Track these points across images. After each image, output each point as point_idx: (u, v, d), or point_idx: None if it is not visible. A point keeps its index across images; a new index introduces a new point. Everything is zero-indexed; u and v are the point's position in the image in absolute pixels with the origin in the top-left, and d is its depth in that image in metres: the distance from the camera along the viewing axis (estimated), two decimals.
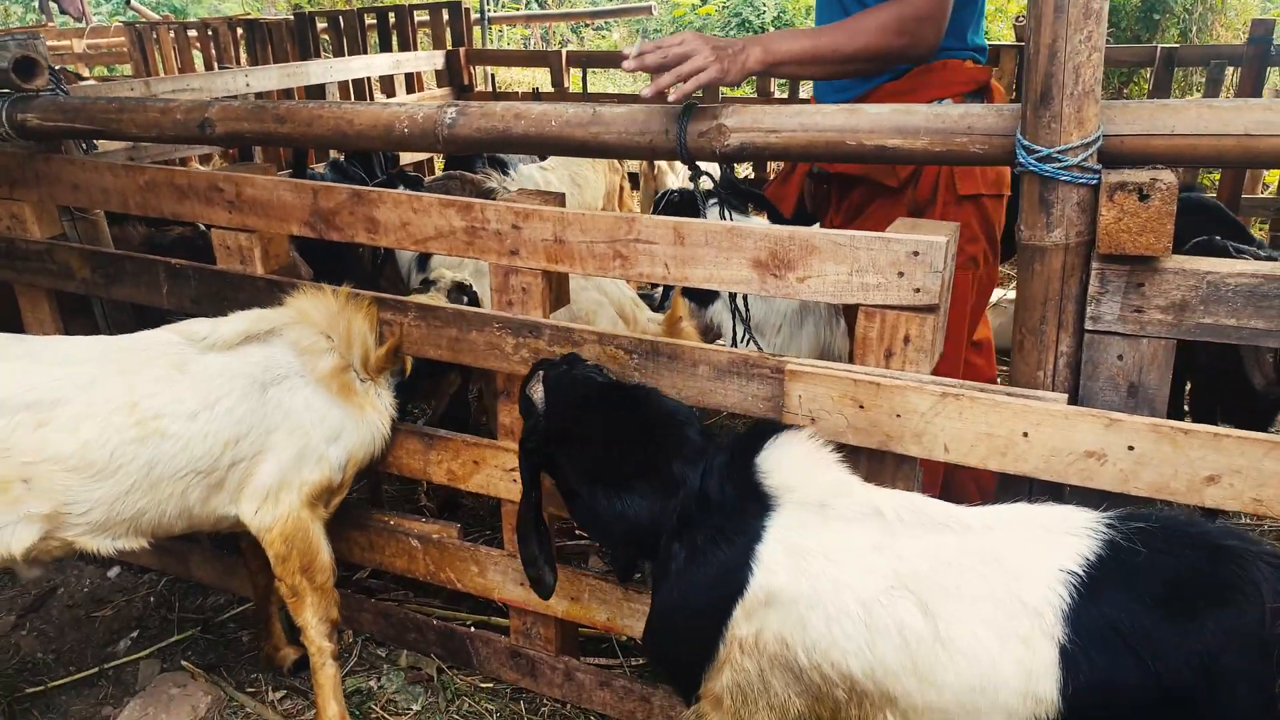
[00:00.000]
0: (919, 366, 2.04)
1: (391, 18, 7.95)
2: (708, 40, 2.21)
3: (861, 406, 2.05)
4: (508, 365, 2.54)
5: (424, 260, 4.17)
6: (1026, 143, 1.86)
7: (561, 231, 2.35)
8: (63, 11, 13.36)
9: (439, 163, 7.51)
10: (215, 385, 2.42)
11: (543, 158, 6.05)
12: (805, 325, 3.81)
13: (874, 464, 2.11)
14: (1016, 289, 2.04)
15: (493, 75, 9.24)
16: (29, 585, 3.58)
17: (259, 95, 5.74)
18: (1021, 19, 8.30)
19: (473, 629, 3.08)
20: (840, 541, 1.72)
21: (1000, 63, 6.45)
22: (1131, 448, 1.82)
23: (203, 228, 3.55)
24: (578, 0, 17.44)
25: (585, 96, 7.57)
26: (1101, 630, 1.50)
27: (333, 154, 5.98)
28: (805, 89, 6.99)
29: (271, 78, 6.01)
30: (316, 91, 6.66)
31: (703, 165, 2.43)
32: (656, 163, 6.38)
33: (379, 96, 7.45)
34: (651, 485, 1.94)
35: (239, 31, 8.50)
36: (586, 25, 17.76)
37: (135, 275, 3.08)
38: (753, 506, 1.81)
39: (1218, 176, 6.25)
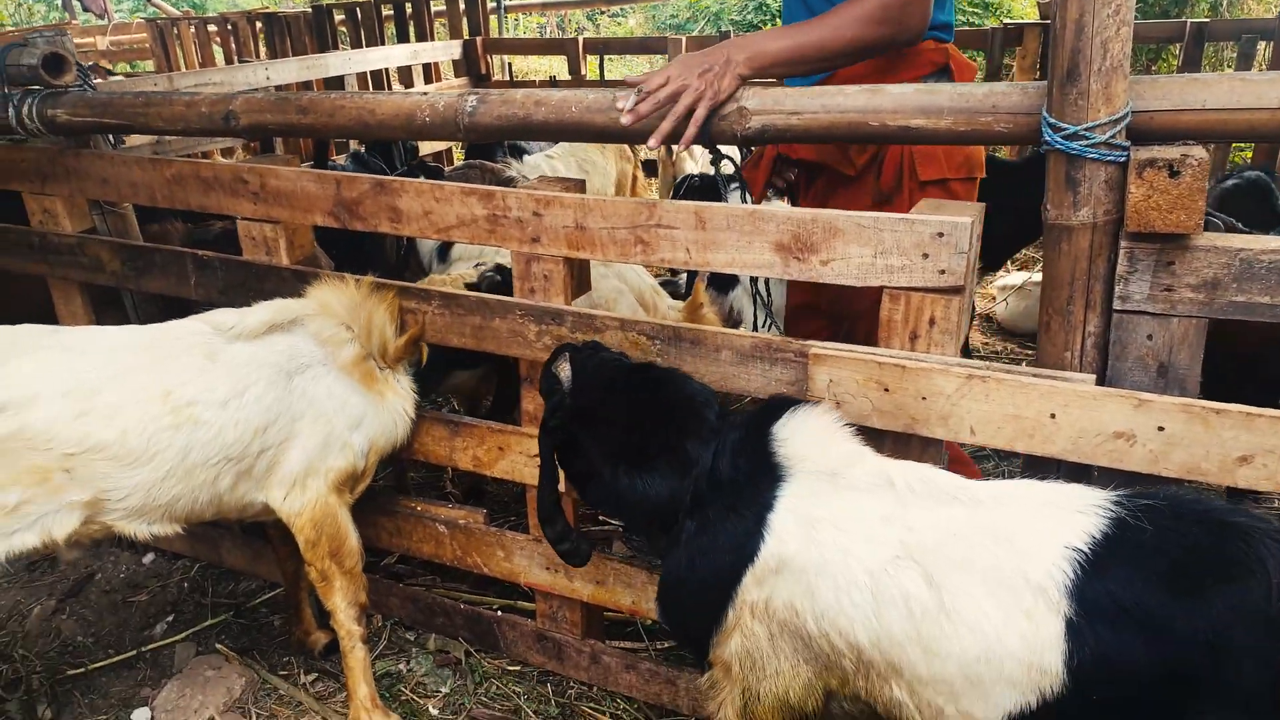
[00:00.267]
0: (944, 349, 2.03)
1: (408, 8, 7.97)
2: (690, 65, 2.19)
3: (886, 390, 2.04)
4: (530, 352, 2.55)
5: (445, 250, 4.19)
6: (1053, 120, 1.84)
7: (583, 218, 2.36)
8: (85, 9, 13.44)
9: (458, 153, 7.53)
10: (244, 374, 2.45)
11: (552, 146, 6.04)
12: None
13: (899, 447, 2.10)
14: (1043, 269, 2.02)
15: (509, 64, 9.23)
16: (68, 570, 3.64)
17: (279, 88, 5.78)
18: None
19: (500, 613, 3.11)
20: (850, 511, 1.74)
21: (1024, 42, 6.40)
22: (1162, 428, 1.80)
23: None
24: None
25: (602, 83, 7.56)
26: (1107, 605, 1.50)
27: (353, 146, 6.00)
28: None
29: (291, 70, 6.05)
30: (335, 83, 6.69)
31: (723, 149, 2.42)
32: (674, 148, 6.36)
33: (397, 87, 7.48)
34: (670, 465, 1.96)
35: (258, 25, 8.54)
36: (602, 12, 17.70)
37: (164, 267, 3.12)
38: (765, 477, 1.83)
39: (1250, 154, 6.16)
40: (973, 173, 2.67)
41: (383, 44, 7.96)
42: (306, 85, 6.39)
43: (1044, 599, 1.54)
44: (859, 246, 2.04)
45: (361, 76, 6.97)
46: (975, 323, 5.60)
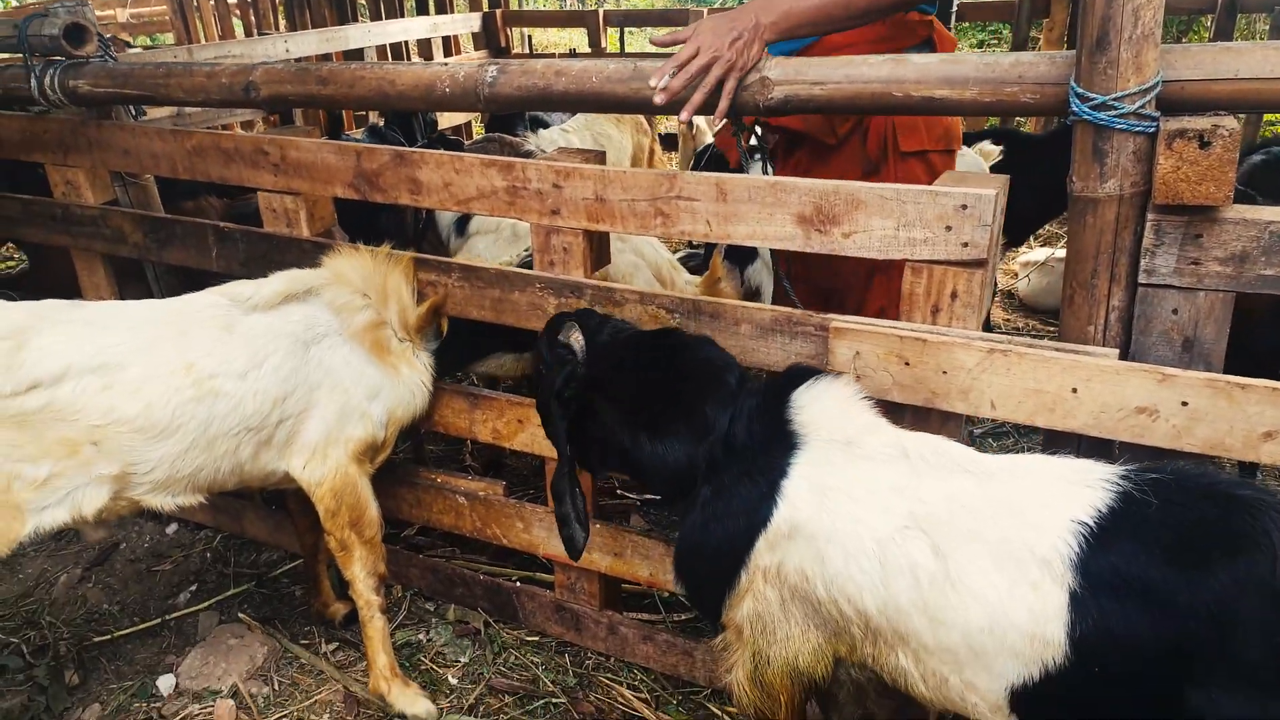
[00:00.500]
0: (966, 322, 2.02)
1: None
2: (720, 32, 2.15)
3: (907, 363, 2.03)
4: None
5: (463, 224, 4.18)
6: (1081, 90, 1.81)
7: (602, 190, 2.35)
8: None
9: (478, 128, 7.52)
10: (262, 345, 2.46)
11: (569, 119, 6.00)
12: None
13: (919, 421, 2.09)
14: (1067, 242, 2.00)
15: (529, 37, 9.18)
16: (94, 541, 3.69)
17: (298, 60, 5.77)
18: None
19: (518, 584, 3.13)
20: (863, 480, 1.74)
21: (1051, 13, 6.31)
22: (1185, 403, 1.78)
23: None
24: None
25: (623, 56, 7.52)
26: (1111, 578, 1.50)
27: (371, 119, 6.00)
28: None
29: (310, 43, 6.04)
30: (355, 56, 6.68)
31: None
32: (695, 120, 6.32)
33: (416, 60, 7.45)
34: (690, 429, 1.96)
35: None
36: None
37: (185, 239, 3.13)
38: (780, 444, 1.83)
39: None
40: (950, 145, 2.69)
41: (402, 16, 7.93)
42: (326, 58, 6.38)
43: (1049, 571, 1.54)
44: (881, 218, 2.03)
45: (381, 49, 6.96)
46: (997, 299, 5.56)
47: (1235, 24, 5.99)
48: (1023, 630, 1.56)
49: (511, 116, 5.87)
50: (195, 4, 8.88)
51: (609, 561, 2.78)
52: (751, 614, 1.88)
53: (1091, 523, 1.54)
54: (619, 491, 3.69)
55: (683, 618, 3.05)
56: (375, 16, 8.10)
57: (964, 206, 1.93)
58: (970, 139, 4.49)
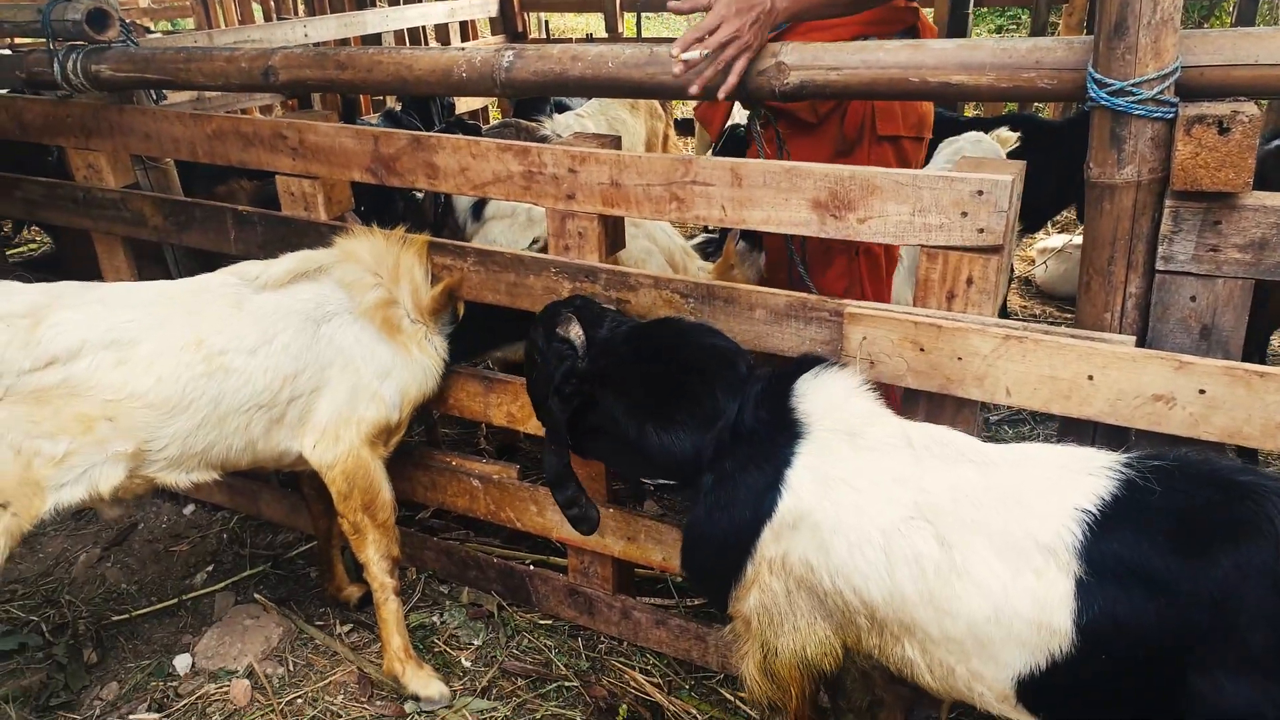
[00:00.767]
0: (981, 309, 2.01)
1: None
2: (741, 10, 2.16)
3: (922, 349, 2.02)
4: None
5: (479, 209, 4.19)
6: (1099, 76, 1.80)
7: (618, 175, 2.35)
8: None
9: (494, 112, 7.52)
10: (271, 322, 2.49)
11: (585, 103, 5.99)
12: None
13: (934, 407, 2.09)
14: (1084, 229, 1.99)
15: (546, 22, 9.16)
16: (112, 521, 3.73)
17: (317, 45, 5.78)
18: None
19: (532, 567, 3.15)
20: (866, 470, 1.74)
21: None
22: (1203, 391, 1.78)
23: None
24: None
25: (639, 41, 7.50)
26: (1115, 566, 1.51)
27: (388, 104, 6.01)
28: None
29: (329, 28, 6.05)
30: (373, 41, 6.68)
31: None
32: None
33: (434, 45, 7.45)
34: (699, 419, 1.96)
35: None
36: None
37: (204, 222, 3.15)
38: (785, 434, 1.83)
39: None
40: (921, 133, 2.73)
41: (420, 1, 7.92)
42: (344, 42, 6.39)
43: (1054, 559, 1.55)
44: (897, 204, 2.02)
45: (399, 34, 6.96)
46: (1014, 286, 5.53)
47: (1258, 9, 5.92)
48: (1029, 619, 1.56)
49: (538, 101, 5.87)
50: None
51: (622, 546, 2.79)
52: (758, 605, 1.88)
53: (1095, 510, 1.55)
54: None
55: (696, 603, 3.05)
56: (393, 1, 8.09)
57: (980, 192, 1.92)
58: (988, 125, 4.46)
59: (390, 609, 2.76)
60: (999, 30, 11.86)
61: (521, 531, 3.06)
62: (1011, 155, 4.09)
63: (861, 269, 2.82)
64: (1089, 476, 1.60)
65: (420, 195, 4.49)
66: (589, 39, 7.76)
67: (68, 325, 2.29)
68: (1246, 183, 1.72)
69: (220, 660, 2.97)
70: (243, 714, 2.77)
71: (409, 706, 2.76)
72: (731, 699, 2.75)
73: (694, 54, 2.17)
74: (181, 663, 2.98)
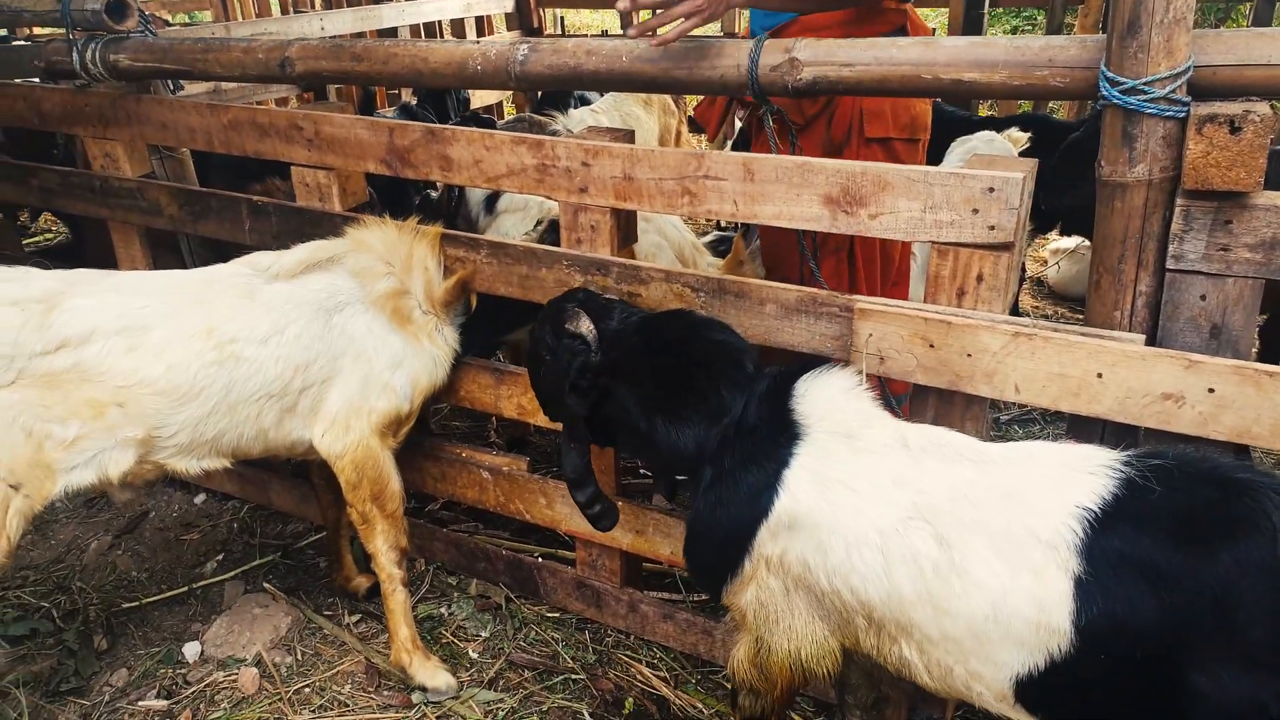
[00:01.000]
0: (992, 305, 2.02)
1: None
2: None
3: (932, 345, 2.03)
4: None
5: (491, 202, 4.21)
6: (1111, 74, 1.80)
7: (630, 168, 2.36)
8: None
9: (509, 107, 7.54)
10: (283, 312, 2.50)
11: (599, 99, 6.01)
12: None
13: (943, 404, 2.09)
14: (1095, 227, 1.99)
15: (562, 18, 9.17)
16: (123, 509, 3.76)
17: (333, 38, 5.81)
18: None
19: (540, 560, 3.16)
20: (864, 472, 1.75)
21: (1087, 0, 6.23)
22: (1212, 390, 1.78)
23: None
24: None
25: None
26: (1115, 564, 1.51)
27: (404, 98, 6.02)
28: None
29: (345, 21, 6.08)
30: (389, 34, 6.70)
31: None
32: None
33: (450, 39, 7.46)
34: (702, 414, 1.97)
35: None
36: None
37: (220, 212, 3.17)
38: (784, 434, 1.85)
39: None
40: (916, 134, 2.71)
41: None
42: (361, 36, 6.41)
43: (1053, 558, 1.55)
44: (908, 200, 2.03)
45: (415, 28, 6.98)
46: (1026, 286, 5.52)
47: (1274, 11, 5.89)
48: (1027, 618, 1.56)
49: (561, 95, 5.90)
50: None
51: (630, 539, 2.81)
52: (755, 602, 1.90)
53: (1095, 509, 1.55)
54: (642, 470, 3.71)
55: (703, 597, 3.06)
56: None
57: (991, 189, 1.92)
58: (1000, 124, 4.46)
59: (398, 599, 2.78)
60: (1014, 31, 11.82)
61: (530, 524, 3.07)
62: (1024, 155, 4.09)
63: (852, 270, 2.82)
64: (1088, 475, 1.60)
65: (435, 193, 4.52)
66: (604, 35, 7.76)
67: (81, 311, 2.32)
68: (1258, 182, 1.72)
69: (229, 648, 2.99)
70: (251, 702, 2.79)
71: (416, 697, 2.78)
72: None
73: None
74: (190, 650, 3.00)
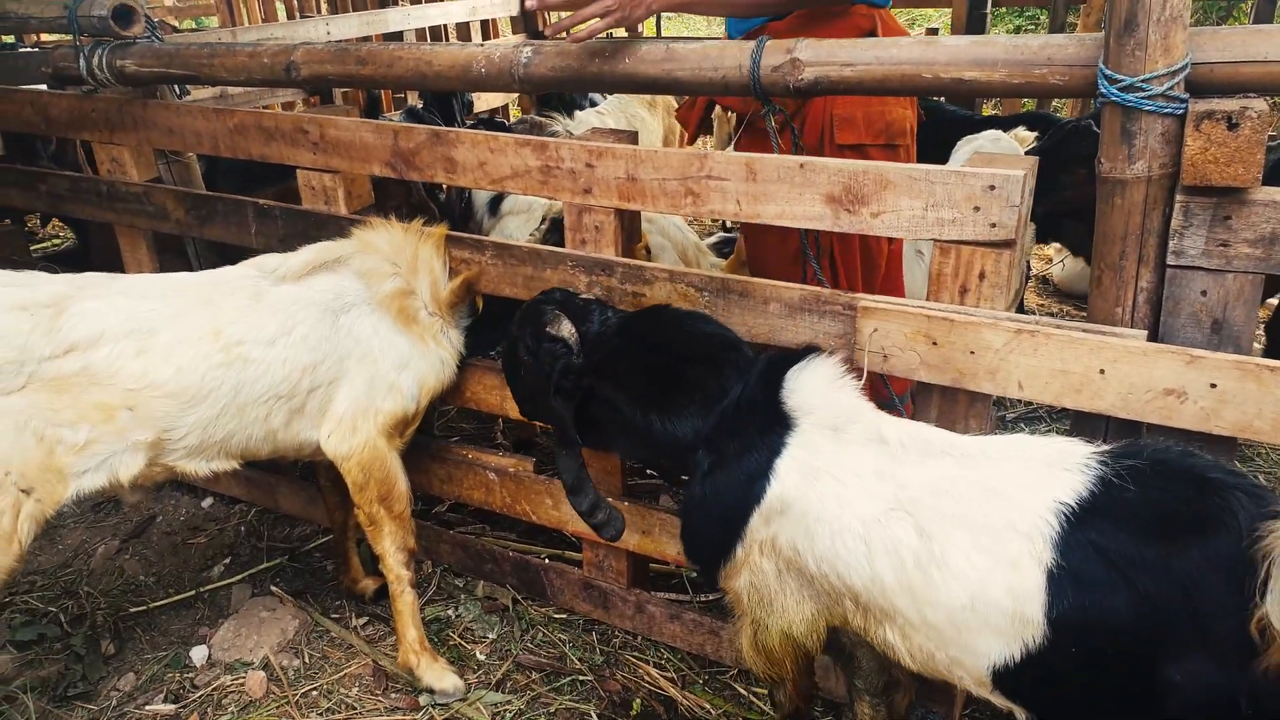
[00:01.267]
0: (994, 303, 2.02)
1: None
2: None
3: (935, 343, 2.04)
4: None
5: (496, 204, 4.23)
6: (1109, 72, 1.81)
7: (634, 169, 2.37)
8: None
9: (515, 110, 7.56)
10: (290, 313, 2.52)
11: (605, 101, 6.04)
12: None
13: (946, 401, 2.10)
14: (1095, 223, 2.00)
15: None
16: (131, 513, 3.78)
17: (339, 42, 5.84)
18: None
19: (547, 561, 3.17)
20: (848, 464, 1.80)
21: None
22: (1214, 385, 1.79)
23: None
24: None
25: (657, 39, 7.52)
26: (1089, 559, 1.55)
27: (410, 101, 6.05)
28: None
29: (351, 25, 6.11)
30: (394, 38, 6.73)
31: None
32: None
33: (454, 42, 7.49)
34: (698, 403, 2.01)
35: None
36: None
37: (226, 216, 3.19)
38: (777, 423, 1.89)
39: None
40: (893, 140, 2.71)
41: (442, 0, 7.98)
42: (366, 40, 6.44)
43: (1029, 550, 1.59)
44: (910, 199, 2.04)
45: (420, 32, 7.01)
46: (1032, 284, 5.52)
47: (1275, 10, 5.89)
48: (1003, 609, 1.60)
49: (571, 97, 5.94)
50: None
51: (637, 539, 2.81)
52: (748, 585, 1.95)
53: (1072, 503, 1.59)
54: (648, 471, 3.71)
55: (710, 597, 3.06)
56: (415, 0, 8.16)
57: (992, 187, 1.93)
58: (1005, 124, 4.46)
59: (406, 601, 2.78)
60: (1018, 30, 11.82)
61: (537, 525, 3.08)
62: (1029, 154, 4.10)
63: (834, 278, 2.84)
64: (1065, 471, 1.64)
65: (443, 195, 4.54)
66: (609, 37, 7.79)
67: (90, 315, 2.33)
68: (1256, 178, 1.73)
69: (236, 652, 2.99)
70: (258, 705, 2.80)
71: (423, 699, 2.78)
72: (745, 694, 2.76)
73: None
74: (198, 654, 3.00)
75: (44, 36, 6.83)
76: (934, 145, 3.99)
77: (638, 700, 2.76)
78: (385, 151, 2.77)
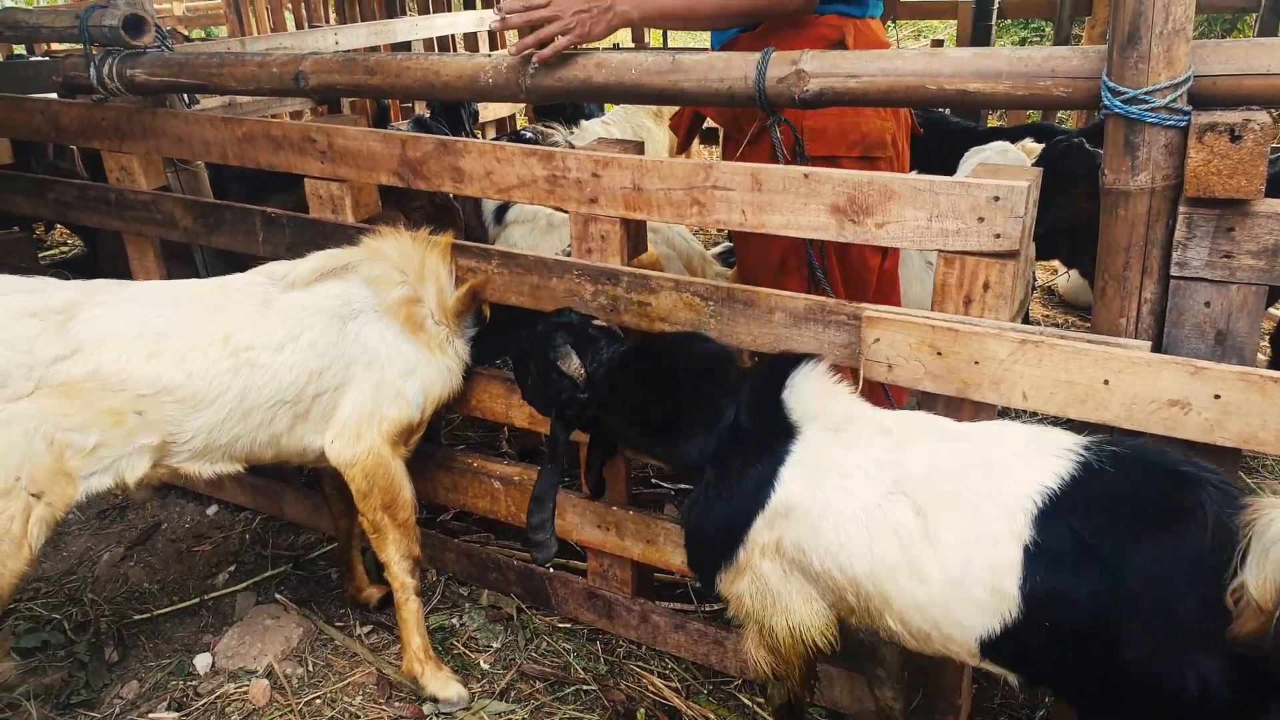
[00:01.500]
0: (998, 313, 2.03)
1: None
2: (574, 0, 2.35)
3: (939, 353, 2.04)
4: (585, 311, 2.59)
5: (501, 213, 4.24)
6: (1112, 84, 1.82)
7: (640, 179, 2.38)
8: None
9: (522, 120, 7.59)
10: (298, 320, 2.53)
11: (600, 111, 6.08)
12: None
13: (951, 411, 2.10)
14: (1099, 235, 2.00)
15: None
16: (135, 520, 3.79)
17: (347, 52, 5.88)
18: None
19: (551, 570, 3.16)
20: (852, 459, 1.86)
21: (1094, 10, 6.26)
22: (1218, 396, 1.79)
23: None
24: None
25: (663, 50, 7.56)
26: (1064, 539, 1.62)
27: (417, 111, 6.07)
28: None
29: (360, 36, 6.14)
30: (402, 49, 6.77)
31: None
32: None
33: (462, 53, 7.53)
34: (699, 424, 2.07)
35: None
36: None
37: (234, 224, 3.21)
38: (781, 434, 1.95)
39: None
40: (869, 152, 2.70)
41: (449, 11, 8.02)
42: (374, 50, 6.48)
43: (1010, 525, 1.65)
44: (914, 209, 2.05)
45: (428, 43, 7.06)
46: (1037, 295, 5.52)
47: (1279, 24, 5.90)
48: (985, 583, 1.67)
49: (578, 105, 5.97)
50: None
51: (641, 549, 2.82)
52: (750, 588, 1.99)
53: (1055, 487, 1.65)
54: (653, 480, 3.72)
55: (714, 607, 3.06)
56: (423, 11, 8.20)
57: (996, 198, 1.94)
58: (1011, 135, 4.47)
59: (411, 609, 2.79)
60: (1023, 42, 11.85)
61: None
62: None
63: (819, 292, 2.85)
64: (1051, 457, 1.70)
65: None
66: (615, 49, 7.83)
67: (99, 320, 2.35)
68: (1259, 190, 1.74)
69: (240, 660, 3.00)
70: (262, 714, 2.80)
71: (427, 708, 2.78)
72: (749, 704, 2.76)
73: (511, 16, 2.43)
74: (202, 662, 3.01)
75: (55, 46, 6.88)
76: (937, 158, 4.00)
77: (642, 710, 2.76)
78: (393, 160, 2.78)
